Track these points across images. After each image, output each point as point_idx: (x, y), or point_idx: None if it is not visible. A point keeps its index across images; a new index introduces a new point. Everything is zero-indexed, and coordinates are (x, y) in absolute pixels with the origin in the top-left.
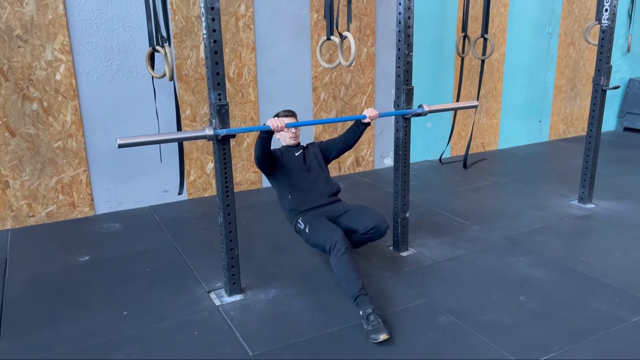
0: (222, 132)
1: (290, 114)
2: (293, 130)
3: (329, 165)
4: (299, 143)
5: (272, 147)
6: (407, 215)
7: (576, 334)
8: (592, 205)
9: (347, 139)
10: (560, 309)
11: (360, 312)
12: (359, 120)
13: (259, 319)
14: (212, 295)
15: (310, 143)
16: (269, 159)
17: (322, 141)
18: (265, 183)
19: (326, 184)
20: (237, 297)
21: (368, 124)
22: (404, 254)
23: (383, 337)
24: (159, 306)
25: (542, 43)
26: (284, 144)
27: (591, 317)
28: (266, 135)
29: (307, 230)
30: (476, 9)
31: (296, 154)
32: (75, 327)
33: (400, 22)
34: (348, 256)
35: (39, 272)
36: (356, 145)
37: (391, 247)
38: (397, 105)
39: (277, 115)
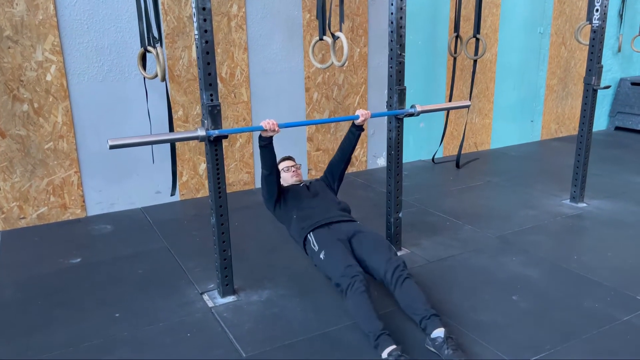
0: (214, 132)
1: (289, 157)
2: (293, 169)
3: None
4: (302, 180)
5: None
6: (400, 215)
7: (568, 333)
8: (584, 205)
9: (343, 150)
10: (553, 308)
11: (384, 356)
12: (352, 125)
13: (252, 320)
14: (205, 297)
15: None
16: (277, 176)
17: (321, 176)
18: (258, 184)
19: (333, 201)
20: (230, 299)
21: (362, 129)
22: (397, 254)
23: None
24: (151, 308)
25: (533, 43)
26: (287, 184)
27: (583, 316)
28: (264, 142)
29: (321, 257)
30: (468, 9)
31: (300, 186)
32: (66, 329)
33: (392, 22)
34: (368, 295)
35: (30, 275)
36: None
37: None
38: (389, 105)
39: (281, 161)
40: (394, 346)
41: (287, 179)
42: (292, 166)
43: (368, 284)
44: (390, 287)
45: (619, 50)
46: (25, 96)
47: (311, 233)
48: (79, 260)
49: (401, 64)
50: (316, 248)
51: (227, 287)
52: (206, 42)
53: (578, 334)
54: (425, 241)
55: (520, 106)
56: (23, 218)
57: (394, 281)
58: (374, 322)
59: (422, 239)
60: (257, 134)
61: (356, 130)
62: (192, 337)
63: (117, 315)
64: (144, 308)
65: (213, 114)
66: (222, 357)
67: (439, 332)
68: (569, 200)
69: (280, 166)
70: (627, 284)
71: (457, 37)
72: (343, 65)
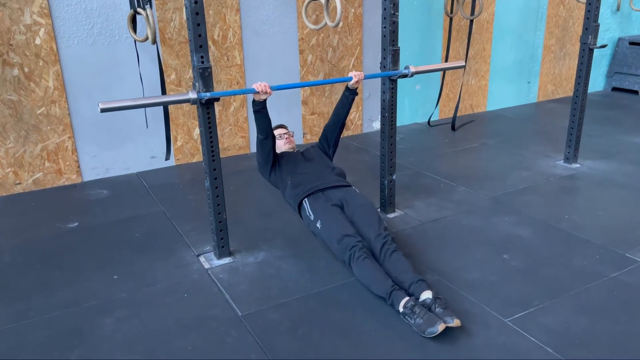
0: (206, 95)
1: (282, 125)
2: (286, 136)
3: None
4: (295, 148)
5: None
6: (394, 177)
7: (557, 289)
8: (578, 165)
9: (337, 114)
10: (543, 266)
11: (400, 309)
12: (346, 89)
13: (248, 280)
14: (202, 259)
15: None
16: (272, 140)
17: (316, 142)
18: (253, 148)
19: (328, 167)
20: (226, 260)
21: (355, 92)
22: (391, 215)
23: (441, 326)
24: (148, 270)
25: (531, 2)
26: (280, 151)
27: (572, 273)
28: (258, 107)
29: (318, 227)
30: None
31: (294, 152)
32: (65, 291)
33: None
34: (370, 260)
35: (28, 239)
36: None
37: (378, 209)
38: (383, 66)
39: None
40: (407, 298)
41: (280, 146)
42: (284, 133)
43: (367, 250)
44: (379, 259)
45: (618, 9)
46: (15, 60)
47: (306, 199)
48: (76, 224)
49: (395, 24)
50: (312, 217)
51: (222, 249)
52: (195, 2)
53: (566, 290)
54: (419, 203)
55: (517, 67)
56: (19, 184)
57: (382, 255)
58: (383, 282)
59: (416, 200)
60: (251, 98)
61: (350, 94)
62: (189, 298)
63: (115, 277)
64: (141, 270)
65: (204, 76)
66: (219, 317)
67: (427, 295)
68: (562, 161)
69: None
70: (616, 242)
71: None
72: (337, 26)
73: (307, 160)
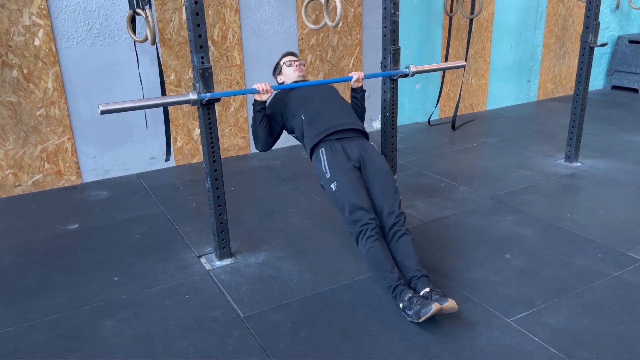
0: (207, 96)
1: (292, 53)
2: (296, 64)
3: None
4: (305, 78)
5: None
6: (395, 177)
7: (559, 289)
8: (578, 164)
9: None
10: (545, 265)
11: (401, 305)
12: (351, 91)
13: (250, 281)
14: (203, 260)
15: None
16: (273, 134)
17: None
18: (253, 149)
19: (344, 104)
20: (227, 261)
21: (361, 90)
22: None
23: (435, 306)
24: (149, 272)
25: (531, 1)
26: (290, 82)
27: (575, 273)
28: (259, 107)
29: (333, 188)
30: None
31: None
32: (66, 293)
33: None
34: (380, 242)
35: (28, 241)
36: None
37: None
38: (383, 66)
39: (283, 57)
40: (409, 295)
41: (289, 74)
42: (294, 61)
43: (380, 230)
44: (387, 238)
45: (617, 7)
46: (14, 62)
47: (323, 150)
48: (76, 226)
49: (395, 24)
50: (328, 175)
51: (223, 250)
52: (195, 2)
53: (569, 289)
54: (420, 203)
55: (517, 66)
56: (18, 185)
57: (391, 235)
58: (390, 273)
59: (417, 200)
60: (251, 98)
61: (356, 94)
62: (190, 299)
63: (115, 279)
64: (142, 271)
65: (204, 76)
66: (220, 318)
67: (426, 290)
68: (563, 160)
69: (283, 60)
70: (618, 241)
71: None
72: (337, 25)
73: (319, 91)
